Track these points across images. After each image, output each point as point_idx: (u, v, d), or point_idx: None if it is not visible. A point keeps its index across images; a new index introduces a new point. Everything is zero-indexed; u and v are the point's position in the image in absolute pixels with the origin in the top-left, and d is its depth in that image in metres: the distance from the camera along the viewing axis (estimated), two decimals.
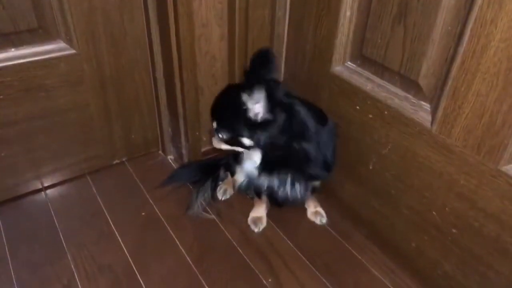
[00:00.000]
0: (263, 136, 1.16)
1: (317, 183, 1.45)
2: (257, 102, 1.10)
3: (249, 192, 1.56)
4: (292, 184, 1.33)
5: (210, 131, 1.32)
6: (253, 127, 1.15)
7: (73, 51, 1.41)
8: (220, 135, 1.23)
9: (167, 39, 1.44)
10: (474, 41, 0.91)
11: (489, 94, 0.93)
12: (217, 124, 1.23)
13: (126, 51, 1.51)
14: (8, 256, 1.35)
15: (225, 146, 1.28)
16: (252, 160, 1.33)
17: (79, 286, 1.27)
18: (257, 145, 1.20)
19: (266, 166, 1.30)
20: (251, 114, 1.13)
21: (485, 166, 1.00)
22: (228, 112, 1.21)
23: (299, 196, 1.37)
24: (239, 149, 1.26)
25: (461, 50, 0.95)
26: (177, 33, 1.40)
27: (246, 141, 1.20)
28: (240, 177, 1.54)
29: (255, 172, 1.35)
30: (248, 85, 1.10)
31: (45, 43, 1.37)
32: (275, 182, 1.34)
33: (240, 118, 1.15)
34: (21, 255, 1.36)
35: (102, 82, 1.52)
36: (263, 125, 1.14)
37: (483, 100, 0.95)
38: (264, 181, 1.35)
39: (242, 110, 1.13)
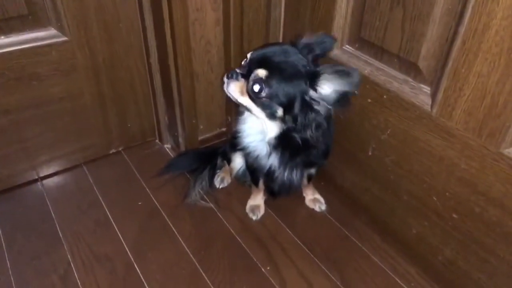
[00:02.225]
0: (306, 117, 1.05)
1: (313, 171, 1.43)
2: (333, 86, 0.99)
3: (247, 180, 1.54)
4: (291, 169, 1.28)
5: (228, 72, 1.09)
6: (308, 105, 1.04)
7: (64, 38, 1.38)
8: (257, 86, 1.03)
9: (160, 24, 1.40)
10: (476, 19, 0.88)
11: (490, 74, 0.90)
12: (269, 74, 1.02)
13: (119, 37, 1.47)
14: (4, 247, 1.34)
15: (242, 98, 1.08)
16: (262, 134, 1.19)
17: (76, 276, 1.26)
18: (292, 121, 1.07)
19: (281, 145, 1.17)
20: (321, 92, 1.01)
21: (486, 150, 0.97)
22: (292, 72, 1.03)
23: (295, 182, 1.34)
24: (255, 111, 1.10)
25: (462, 29, 0.92)
26: (170, 18, 1.37)
27: (280, 112, 1.06)
28: (237, 165, 1.52)
29: (260, 147, 1.23)
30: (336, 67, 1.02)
31: (36, 30, 1.34)
32: (276, 163, 1.24)
33: (302, 88, 1.02)
34: (17, 246, 1.35)
35: (95, 69, 1.49)
36: (316, 109, 1.04)
37: (484, 81, 0.92)
38: (268, 161, 1.24)
39: (311, 82, 1.01)
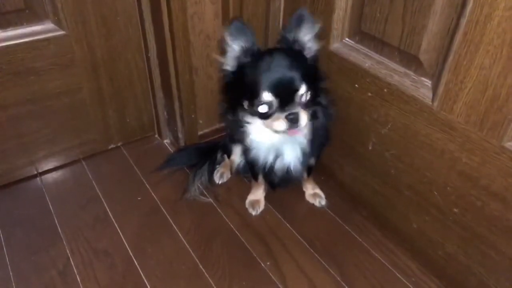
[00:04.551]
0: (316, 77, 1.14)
1: (312, 162, 1.41)
2: (308, 33, 1.12)
3: (247, 175, 1.53)
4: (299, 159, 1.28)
5: (287, 122, 1.07)
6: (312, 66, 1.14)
7: (62, 32, 1.37)
8: (304, 96, 1.06)
9: (159, 17, 1.39)
10: (477, 10, 0.87)
11: (492, 67, 0.88)
12: (306, 86, 1.05)
13: (118, 30, 1.46)
14: (3, 242, 1.34)
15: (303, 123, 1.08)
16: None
17: (75, 271, 1.26)
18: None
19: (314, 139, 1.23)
20: (306, 44, 1.13)
21: (488, 143, 0.96)
22: (307, 72, 1.08)
23: (298, 172, 1.33)
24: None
25: (464, 21, 0.90)
26: (169, 11, 1.35)
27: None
28: (237, 158, 1.51)
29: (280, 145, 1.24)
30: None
31: (33, 24, 1.33)
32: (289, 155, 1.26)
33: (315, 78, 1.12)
34: (16, 241, 1.35)
35: (94, 64, 1.48)
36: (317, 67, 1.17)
37: (486, 74, 0.90)
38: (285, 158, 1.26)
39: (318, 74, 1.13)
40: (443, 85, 1.01)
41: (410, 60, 1.10)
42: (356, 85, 1.26)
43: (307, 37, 1.12)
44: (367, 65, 1.21)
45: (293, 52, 1.10)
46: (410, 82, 1.11)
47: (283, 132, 1.10)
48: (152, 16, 1.45)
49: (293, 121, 1.06)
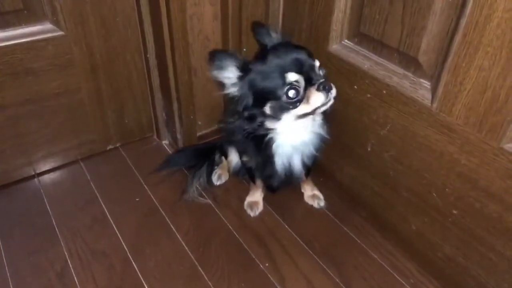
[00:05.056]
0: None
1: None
2: None
3: (245, 177, 1.53)
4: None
5: (319, 88, 1.07)
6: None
7: (60, 33, 1.37)
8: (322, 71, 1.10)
9: (158, 18, 1.39)
10: (477, 12, 0.87)
11: (492, 68, 0.89)
12: (311, 56, 1.09)
13: (116, 31, 1.46)
14: (0, 243, 1.33)
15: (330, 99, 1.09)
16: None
17: (73, 272, 1.25)
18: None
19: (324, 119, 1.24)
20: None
21: (487, 145, 0.96)
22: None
23: (299, 174, 1.32)
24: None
25: (463, 22, 0.90)
26: (168, 12, 1.35)
27: None
28: (234, 158, 1.50)
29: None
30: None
31: (31, 25, 1.33)
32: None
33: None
34: (14, 242, 1.34)
35: (92, 64, 1.48)
36: None
37: (485, 75, 0.90)
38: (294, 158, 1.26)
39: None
40: (442, 86, 1.01)
41: (409, 62, 1.10)
42: (355, 87, 1.26)
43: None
44: (366, 66, 1.21)
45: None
46: (409, 83, 1.11)
47: (323, 106, 1.08)
48: (151, 17, 1.44)
49: (326, 88, 1.06)
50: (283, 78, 1.04)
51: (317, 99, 1.07)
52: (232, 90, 1.12)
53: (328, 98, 1.07)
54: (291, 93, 1.06)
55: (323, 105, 1.08)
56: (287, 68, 1.05)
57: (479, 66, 0.91)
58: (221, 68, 1.08)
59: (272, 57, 1.08)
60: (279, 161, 1.25)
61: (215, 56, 1.08)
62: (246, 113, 1.14)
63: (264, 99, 1.10)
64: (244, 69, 1.09)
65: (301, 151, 1.25)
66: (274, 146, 1.21)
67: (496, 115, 0.92)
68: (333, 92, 1.07)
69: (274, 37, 1.19)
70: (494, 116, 0.92)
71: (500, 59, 0.86)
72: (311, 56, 1.09)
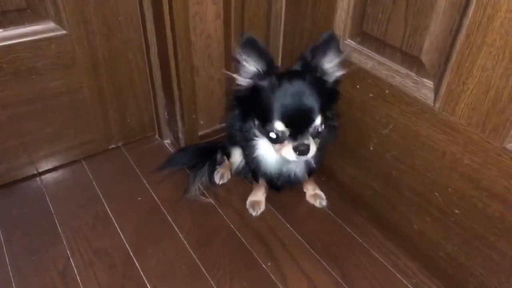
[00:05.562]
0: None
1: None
2: (331, 61, 1.08)
3: (247, 176, 1.53)
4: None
5: (296, 151, 1.05)
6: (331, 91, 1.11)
7: (63, 32, 1.37)
8: (319, 127, 1.06)
9: (160, 17, 1.39)
10: (480, 12, 0.87)
11: (495, 68, 0.89)
12: (322, 117, 1.04)
13: (119, 30, 1.46)
14: (3, 242, 1.33)
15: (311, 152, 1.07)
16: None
17: (75, 271, 1.26)
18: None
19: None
20: (329, 71, 1.10)
21: (490, 144, 0.96)
22: (325, 100, 1.06)
23: (301, 178, 1.33)
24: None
25: (466, 22, 0.90)
26: (170, 11, 1.35)
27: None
28: (236, 159, 1.51)
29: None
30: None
31: (34, 24, 1.33)
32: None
33: (323, 88, 1.07)
34: (16, 241, 1.34)
35: (95, 63, 1.48)
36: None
37: (488, 75, 0.90)
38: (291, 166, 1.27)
39: (322, 81, 1.08)
40: (445, 86, 1.01)
41: (412, 61, 1.10)
42: (358, 86, 1.26)
43: (330, 65, 1.07)
44: (368, 66, 1.21)
45: (313, 79, 1.05)
46: (412, 83, 1.11)
47: (292, 161, 1.09)
48: (154, 16, 1.44)
49: (302, 152, 1.04)
50: (275, 117, 1.02)
51: (287, 154, 1.06)
52: (243, 81, 1.08)
53: (299, 159, 1.07)
54: (272, 134, 1.05)
55: (292, 160, 1.08)
56: (281, 116, 1.02)
57: (482, 66, 0.91)
58: (248, 54, 1.03)
59: (284, 89, 1.02)
60: (265, 167, 1.26)
61: (254, 43, 1.02)
62: (241, 108, 1.14)
63: (256, 112, 1.09)
64: (268, 72, 1.05)
65: (286, 167, 1.26)
66: (257, 152, 1.22)
67: (499, 115, 0.92)
68: (307, 156, 1.06)
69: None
70: (497, 115, 0.92)
71: (503, 59, 0.86)
72: (318, 111, 1.03)
